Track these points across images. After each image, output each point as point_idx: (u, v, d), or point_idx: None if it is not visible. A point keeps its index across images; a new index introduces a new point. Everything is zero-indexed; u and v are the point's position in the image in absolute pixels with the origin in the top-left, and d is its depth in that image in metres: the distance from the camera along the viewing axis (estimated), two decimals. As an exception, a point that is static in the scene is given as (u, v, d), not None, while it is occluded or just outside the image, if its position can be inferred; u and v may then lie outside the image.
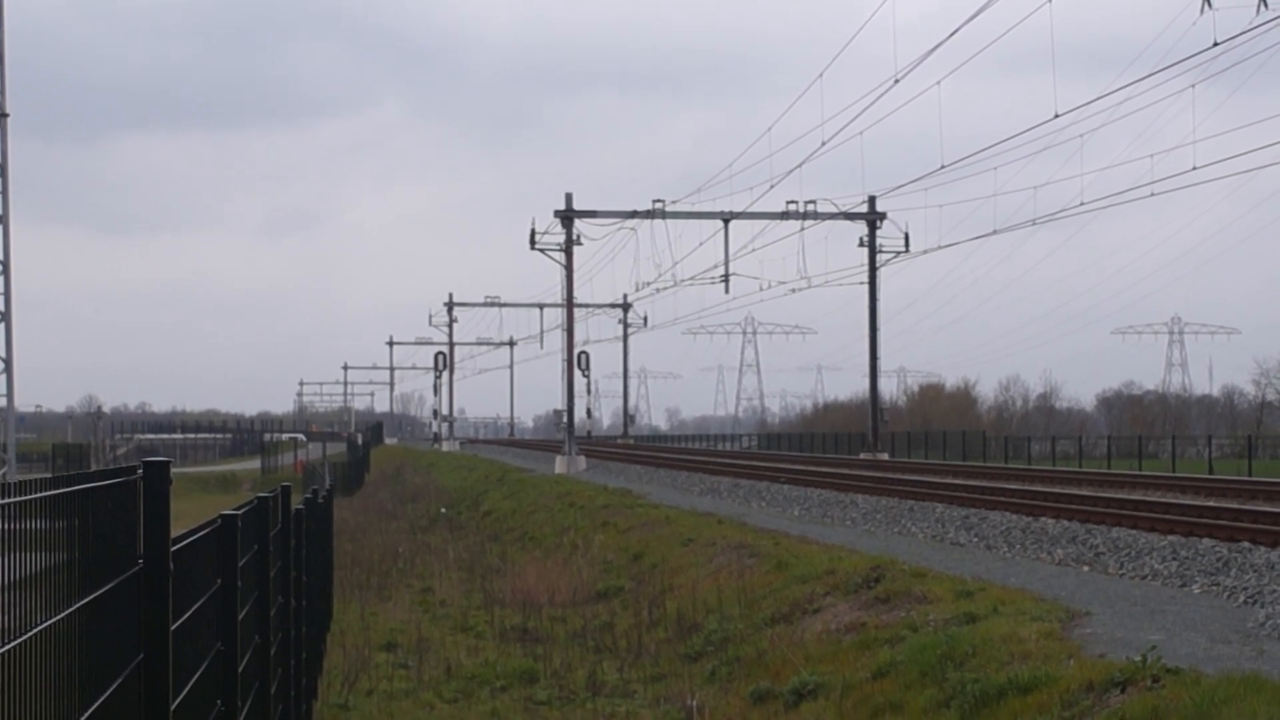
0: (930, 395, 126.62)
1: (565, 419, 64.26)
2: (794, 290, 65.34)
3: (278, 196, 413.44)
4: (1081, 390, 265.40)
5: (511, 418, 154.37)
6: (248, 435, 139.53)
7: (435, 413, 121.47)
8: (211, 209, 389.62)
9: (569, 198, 61.56)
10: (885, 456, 65.60)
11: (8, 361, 36.56)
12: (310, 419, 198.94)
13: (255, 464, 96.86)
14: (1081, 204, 46.81)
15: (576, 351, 69.84)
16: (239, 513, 7.12)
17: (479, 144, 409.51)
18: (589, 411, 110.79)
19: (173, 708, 4.99)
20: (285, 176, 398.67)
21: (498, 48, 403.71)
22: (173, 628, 5.00)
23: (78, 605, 4.18)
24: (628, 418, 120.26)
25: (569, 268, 62.39)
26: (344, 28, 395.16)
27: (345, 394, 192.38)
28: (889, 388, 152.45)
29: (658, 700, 16.05)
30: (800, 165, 57.81)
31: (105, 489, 4.49)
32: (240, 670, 7.11)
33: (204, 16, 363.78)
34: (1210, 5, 28.90)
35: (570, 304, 64.66)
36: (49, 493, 3.92)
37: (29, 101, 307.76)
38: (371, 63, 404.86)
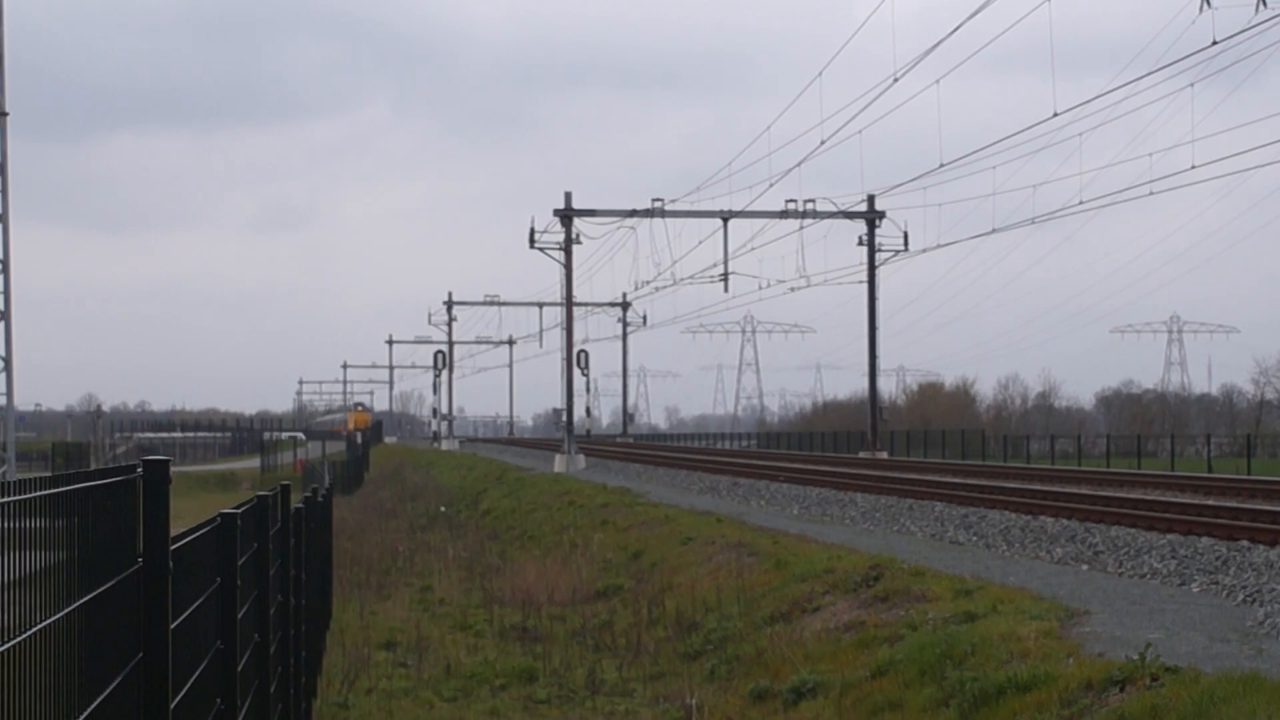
0: (929, 394, 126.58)
1: (564, 418, 64.21)
2: (793, 289, 65.22)
3: (274, 194, 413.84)
4: (1080, 389, 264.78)
5: (511, 416, 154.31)
6: (247, 434, 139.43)
7: (435, 411, 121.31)
8: (208, 206, 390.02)
9: (568, 196, 61.52)
10: (884, 455, 65.58)
11: (7, 360, 36.54)
12: (312, 415, 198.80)
13: (255, 463, 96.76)
14: (1080, 203, 46.62)
15: (576, 350, 69.79)
16: (238, 511, 7.12)
17: (476, 141, 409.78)
18: (588, 410, 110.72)
19: (172, 706, 4.99)
20: (281, 174, 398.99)
21: (493, 44, 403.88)
22: (172, 626, 5.00)
23: (77, 604, 4.18)
24: (627, 416, 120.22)
25: (568, 266, 62.38)
26: (339, 25, 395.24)
27: (344, 392, 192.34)
28: (888, 386, 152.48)
29: (657, 699, 16.05)
30: (799, 164, 57.96)
31: (105, 488, 4.49)
32: (240, 669, 7.12)
33: (197, 14, 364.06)
34: (1209, 4, 28.88)
35: (569, 303, 64.64)
36: (49, 491, 3.92)
37: (24, 100, 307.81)
38: (367, 60, 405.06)
